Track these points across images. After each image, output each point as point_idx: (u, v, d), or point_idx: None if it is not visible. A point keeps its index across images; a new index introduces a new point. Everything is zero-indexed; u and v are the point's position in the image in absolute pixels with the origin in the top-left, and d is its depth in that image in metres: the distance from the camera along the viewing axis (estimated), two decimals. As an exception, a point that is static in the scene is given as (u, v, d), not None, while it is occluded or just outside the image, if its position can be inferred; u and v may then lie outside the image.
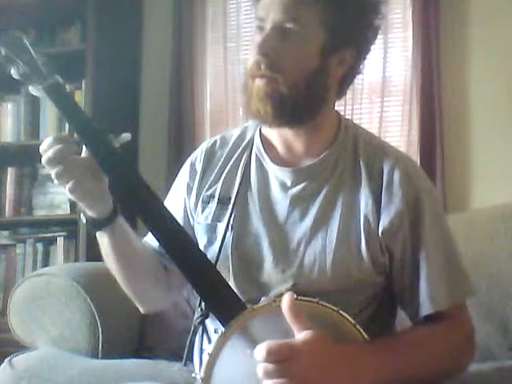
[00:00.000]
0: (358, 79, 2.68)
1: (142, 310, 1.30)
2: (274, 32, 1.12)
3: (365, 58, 1.22)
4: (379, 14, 1.19)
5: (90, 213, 1.13)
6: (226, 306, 1.04)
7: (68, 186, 1.08)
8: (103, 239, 1.17)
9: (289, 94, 1.12)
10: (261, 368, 0.92)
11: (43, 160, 1.08)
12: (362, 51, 1.20)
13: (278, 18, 1.12)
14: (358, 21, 1.16)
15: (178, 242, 1.09)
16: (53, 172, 1.07)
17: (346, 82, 1.21)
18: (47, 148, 1.07)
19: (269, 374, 0.92)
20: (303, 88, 1.13)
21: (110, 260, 1.21)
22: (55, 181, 1.09)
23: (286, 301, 0.95)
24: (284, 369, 0.91)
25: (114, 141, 1.09)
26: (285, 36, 1.12)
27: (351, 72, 1.20)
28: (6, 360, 1.56)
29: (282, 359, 0.92)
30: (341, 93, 1.23)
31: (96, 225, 1.15)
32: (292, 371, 0.92)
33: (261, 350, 0.92)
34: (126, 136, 1.10)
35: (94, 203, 1.12)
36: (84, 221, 1.16)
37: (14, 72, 1.14)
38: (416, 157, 2.71)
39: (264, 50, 1.12)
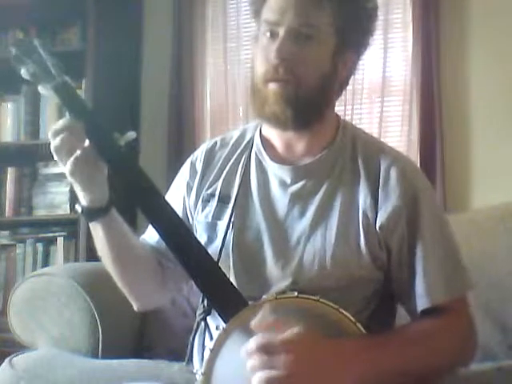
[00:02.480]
0: (358, 79, 2.73)
1: (135, 307, 1.30)
2: (289, 36, 1.13)
3: (361, 58, 1.24)
4: (377, 19, 1.21)
5: (85, 201, 1.15)
6: (227, 302, 1.07)
7: (69, 161, 1.10)
8: (97, 230, 1.19)
9: (305, 97, 1.14)
10: (250, 362, 0.96)
11: (50, 135, 1.11)
12: (360, 54, 1.22)
13: (293, 22, 1.13)
14: (363, 25, 1.18)
15: (180, 238, 1.13)
16: (53, 145, 1.10)
17: (346, 84, 1.23)
18: (57, 132, 1.10)
19: (258, 367, 0.96)
20: (318, 91, 1.15)
21: (104, 253, 1.22)
22: (55, 156, 1.11)
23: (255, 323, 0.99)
24: (273, 361, 0.95)
25: (119, 139, 1.13)
26: (301, 40, 1.13)
27: (351, 73, 1.23)
28: (6, 360, 1.56)
29: (271, 352, 0.96)
30: (340, 94, 1.24)
31: (90, 214, 1.17)
32: (281, 363, 0.95)
33: (250, 345, 0.97)
34: (131, 134, 1.14)
35: (91, 189, 1.14)
36: (79, 210, 1.17)
37: (23, 72, 1.17)
38: (416, 157, 2.72)
39: (283, 54, 1.13)
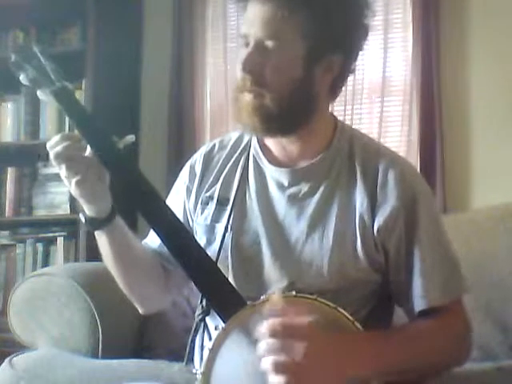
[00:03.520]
0: (358, 79, 2.74)
1: (140, 311, 1.31)
2: (256, 49, 1.14)
3: (355, 60, 1.21)
4: (365, 15, 1.18)
5: (89, 211, 1.16)
6: (226, 302, 1.07)
7: (75, 180, 1.10)
8: (102, 239, 1.19)
9: (275, 108, 1.14)
10: (263, 344, 0.95)
11: (51, 155, 1.10)
12: (349, 55, 1.19)
13: (258, 35, 1.14)
14: (340, 27, 1.15)
15: (179, 239, 1.13)
16: (62, 166, 1.10)
17: (337, 85, 1.21)
18: (55, 144, 1.10)
19: (271, 350, 0.95)
20: (289, 100, 1.14)
21: (108, 260, 1.23)
22: (62, 175, 1.11)
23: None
24: (289, 346, 0.95)
25: (118, 142, 1.13)
26: (267, 52, 1.13)
27: (341, 75, 1.20)
28: (6, 360, 1.57)
29: (288, 335, 0.95)
30: (333, 96, 1.23)
31: (95, 224, 1.17)
32: (298, 350, 0.95)
33: (266, 325, 0.95)
34: (130, 138, 1.14)
35: (94, 201, 1.14)
36: (83, 220, 1.17)
37: (22, 78, 1.17)
38: (416, 157, 2.71)
39: (248, 67, 1.14)
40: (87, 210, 1.16)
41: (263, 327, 0.96)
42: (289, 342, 0.95)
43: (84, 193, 1.13)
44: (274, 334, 0.95)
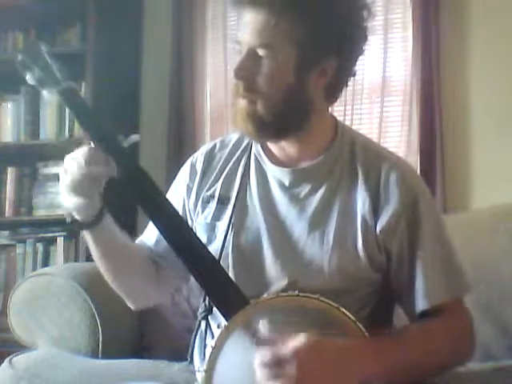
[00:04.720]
0: (358, 79, 2.73)
1: (131, 306, 1.31)
2: (248, 56, 1.15)
3: (354, 63, 1.21)
4: (362, 19, 1.17)
5: (78, 215, 1.15)
6: (228, 299, 1.08)
7: (81, 202, 1.11)
8: (89, 237, 1.19)
9: (267, 114, 1.15)
10: (259, 375, 0.98)
11: (70, 177, 1.10)
12: (345, 59, 1.18)
13: (250, 43, 1.15)
14: (334, 33, 1.15)
15: (181, 235, 1.14)
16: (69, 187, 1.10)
17: (335, 88, 1.21)
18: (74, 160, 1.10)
19: (268, 379, 0.97)
20: (282, 106, 1.15)
21: (97, 257, 1.23)
22: (65, 188, 1.11)
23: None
24: (282, 371, 0.96)
25: (123, 141, 1.14)
26: (258, 59, 1.14)
27: (337, 79, 1.19)
28: (6, 360, 1.57)
29: (279, 363, 0.97)
30: (331, 99, 1.23)
31: (82, 226, 1.17)
32: (290, 372, 0.96)
33: (257, 359, 0.98)
34: (135, 137, 1.15)
35: (85, 211, 1.14)
36: (68, 220, 1.17)
37: (29, 77, 1.19)
38: (416, 157, 2.72)
39: (240, 74, 1.15)
40: (77, 214, 1.15)
41: (256, 359, 0.99)
42: (282, 367, 0.97)
43: (78, 208, 1.13)
44: (264, 364, 0.98)
